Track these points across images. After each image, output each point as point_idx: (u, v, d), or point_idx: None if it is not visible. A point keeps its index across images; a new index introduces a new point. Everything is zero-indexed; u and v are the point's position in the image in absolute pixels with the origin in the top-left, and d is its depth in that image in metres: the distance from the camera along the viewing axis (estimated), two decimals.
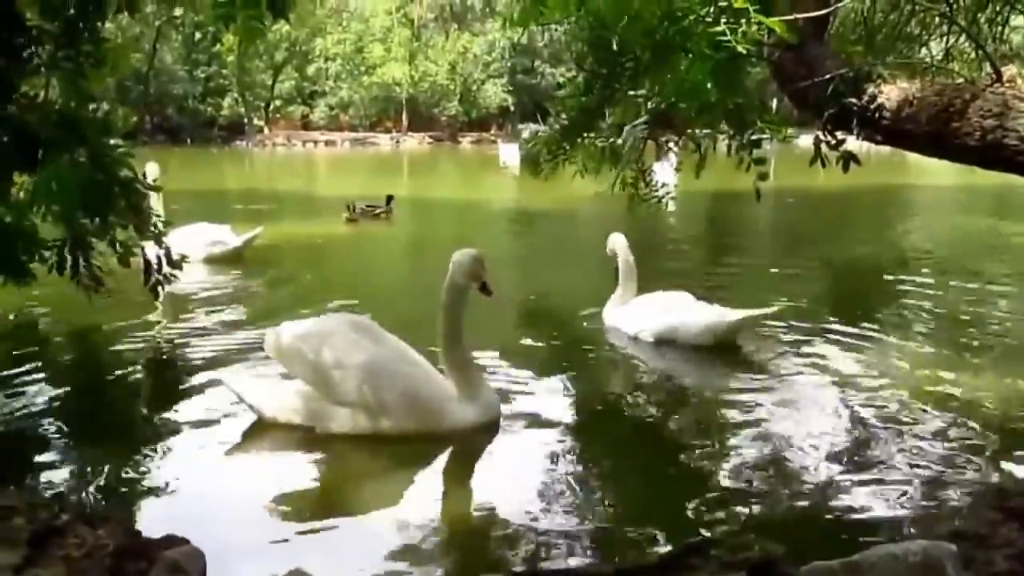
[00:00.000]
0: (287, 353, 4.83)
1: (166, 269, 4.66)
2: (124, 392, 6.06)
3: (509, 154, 32.36)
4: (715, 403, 5.73)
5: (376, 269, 11.75)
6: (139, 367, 6.52)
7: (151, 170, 11.63)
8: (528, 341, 7.29)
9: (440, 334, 5.12)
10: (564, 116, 4.91)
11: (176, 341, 7.12)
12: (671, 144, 4.95)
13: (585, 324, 7.82)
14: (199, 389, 5.77)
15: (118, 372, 6.50)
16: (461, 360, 5.10)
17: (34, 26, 3.94)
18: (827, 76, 3.70)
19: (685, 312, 7.16)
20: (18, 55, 3.89)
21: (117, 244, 4.30)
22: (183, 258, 4.75)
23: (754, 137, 3.65)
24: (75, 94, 4.00)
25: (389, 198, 17.13)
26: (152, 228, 4.48)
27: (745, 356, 6.83)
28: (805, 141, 4.27)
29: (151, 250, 4.60)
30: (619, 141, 4.93)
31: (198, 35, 59.42)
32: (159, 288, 4.69)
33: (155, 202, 11.38)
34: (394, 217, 16.56)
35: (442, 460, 4.86)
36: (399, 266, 12.31)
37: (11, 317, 7.79)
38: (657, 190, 5.29)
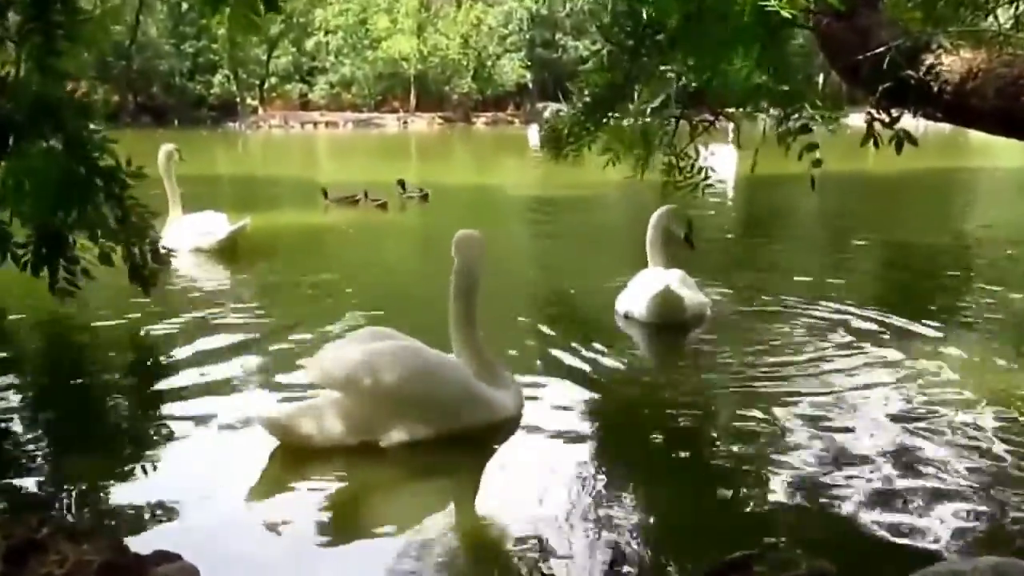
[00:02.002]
0: (337, 380, 4.89)
1: (152, 265, 4.65)
2: (109, 397, 6.10)
3: (537, 137, 32.57)
4: (754, 400, 5.72)
5: (381, 261, 11.77)
6: (125, 370, 6.58)
7: (166, 153, 11.79)
8: (548, 329, 7.44)
9: (453, 322, 5.28)
10: (587, 93, 4.91)
11: (163, 341, 7.15)
12: (707, 125, 4.94)
13: (606, 310, 7.92)
14: (190, 394, 5.81)
15: (103, 375, 6.56)
16: (478, 348, 5.30)
17: None
18: (881, 47, 3.67)
19: (642, 290, 7.57)
20: None
21: (98, 240, 4.29)
22: (169, 252, 4.77)
23: (801, 122, 3.64)
24: (47, 72, 3.99)
25: (401, 183, 17.24)
26: (137, 220, 4.48)
27: (785, 348, 6.82)
28: (855, 120, 4.25)
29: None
30: (649, 121, 4.92)
31: (185, 6, 59.75)
32: (147, 286, 4.70)
33: (171, 190, 11.62)
34: (422, 205, 16.93)
35: (456, 464, 4.91)
36: (405, 258, 12.33)
37: None
38: (692, 175, 5.29)
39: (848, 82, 3.99)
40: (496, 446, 5.10)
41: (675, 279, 7.61)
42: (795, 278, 9.67)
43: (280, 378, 6.05)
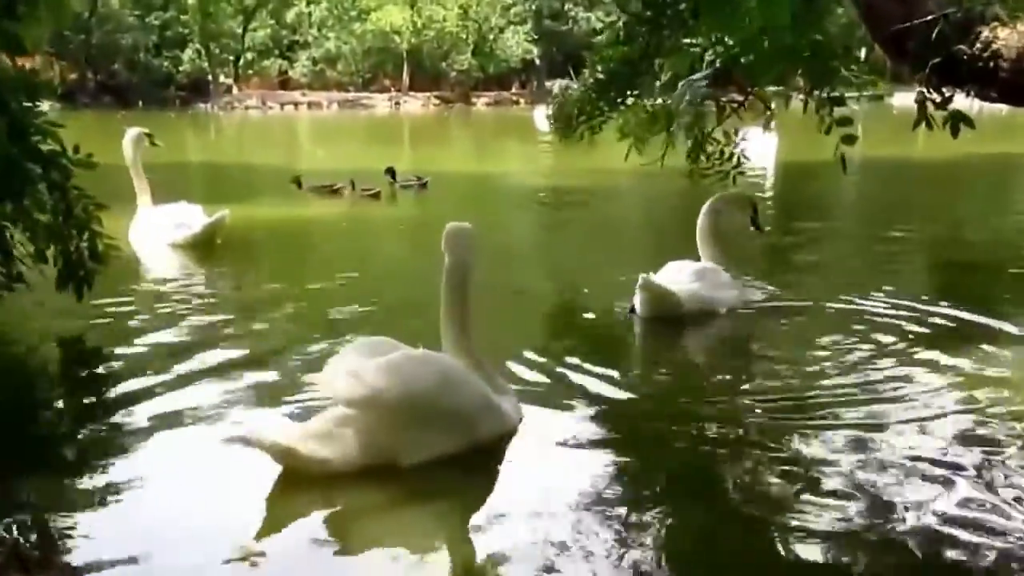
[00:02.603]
0: (358, 398, 4.90)
1: (89, 265, 4.63)
2: (65, 412, 6.08)
3: (544, 120, 32.74)
4: (782, 410, 5.73)
5: (372, 258, 11.77)
6: (87, 381, 6.53)
7: (134, 138, 11.79)
8: (554, 330, 7.55)
9: (444, 323, 5.35)
10: (601, 69, 4.92)
11: (132, 349, 7.10)
12: (736, 105, 4.95)
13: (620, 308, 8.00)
14: (162, 409, 5.75)
15: (58, 387, 6.54)
16: (472, 351, 5.38)
17: None
18: (929, 17, 3.68)
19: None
20: None
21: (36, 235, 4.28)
22: (110, 248, 4.72)
23: (836, 93, 3.65)
24: (4, 42, 4.00)
25: (391, 171, 17.30)
26: (82, 212, 4.47)
27: (824, 349, 6.85)
28: (901, 100, 4.25)
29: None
30: (670, 101, 4.93)
31: None
32: (81, 289, 4.65)
33: (138, 179, 11.61)
34: (418, 196, 17.07)
35: (457, 484, 4.90)
36: (399, 254, 12.33)
37: None
38: (722, 162, 5.30)
39: (892, 57, 3.99)
40: (499, 462, 5.13)
41: (688, 271, 7.82)
42: (839, 272, 9.81)
43: (266, 390, 6.03)
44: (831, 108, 3.69)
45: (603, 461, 5.14)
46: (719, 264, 8.11)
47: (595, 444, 5.36)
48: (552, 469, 5.01)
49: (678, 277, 7.78)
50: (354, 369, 4.96)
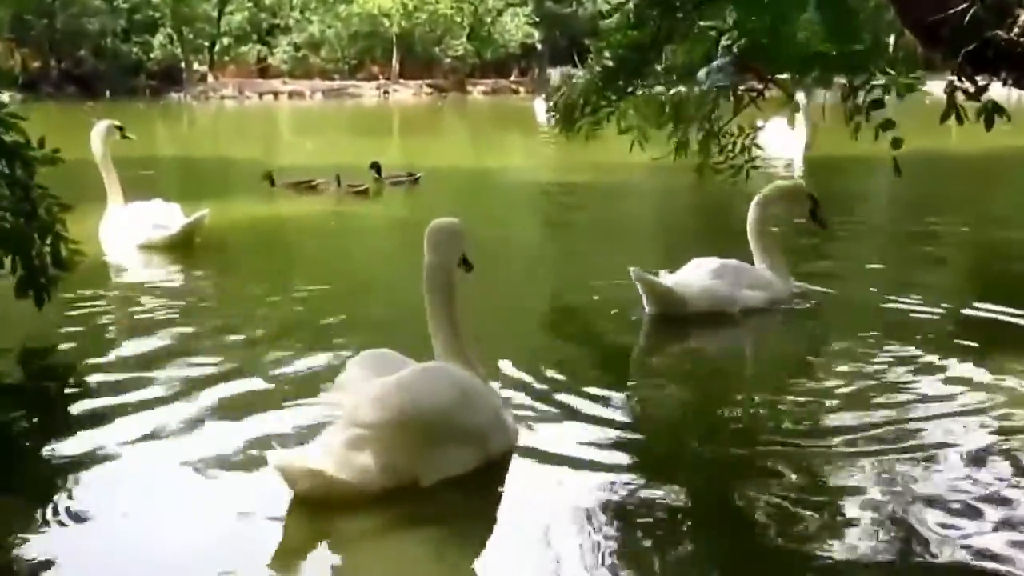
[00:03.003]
0: (380, 420, 4.92)
1: (52, 271, 4.61)
2: (26, 426, 6.03)
3: (544, 112, 32.83)
4: (802, 427, 5.71)
5: (361, 259, 11.79)
6: (57, 396, 6.50)
7: (103, 131, 11.77)
8: (557, 338, 7.59)
9: (434, 327, 5.38)
10: (608, 56, 4.93)
11: (107, 361, 6.98)
12: (754, 95, 4.96)
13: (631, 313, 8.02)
14: (140, 427, 5.69)
15: (26, 404, 6.52)
16: (467, 355, 5.41)
17: None
18: (963, 1, 3.70)
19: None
20: None
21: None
22: (76, 252, 4.69)
23: (874, 95, 3.66)
24: None
25: (376, 166, 17.31)
26: (45, 213, 4.45)
27: (853, 357, 6.84)
28: (934, 89, 4.25)
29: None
30: (683, 90, 4.94)
31: None
32: (42, 296, 4.63)
33: (107, 175, 11.60)
34: (410, 192, 17.15)
35: (450, 510, 4.89)
36: (388, 255, 12.31)
37: None
38: (735, 156, 5.31)
39: (923, 43, 4.00)
40: (501, 482, 5.12)
41: (707, 268, 7.88)
42: (870, 271, 9.88)
43: (253, 404, 6.00)
44: (867, 114, 3.70)
45: (608, 483, 5.12)
46: (767, 262, 8.14)
47: (600, 464, 5.33)
48: (554, 490, 5.00)
49: (696, 273, 7.84)
50: (368, 388, 5.00)
